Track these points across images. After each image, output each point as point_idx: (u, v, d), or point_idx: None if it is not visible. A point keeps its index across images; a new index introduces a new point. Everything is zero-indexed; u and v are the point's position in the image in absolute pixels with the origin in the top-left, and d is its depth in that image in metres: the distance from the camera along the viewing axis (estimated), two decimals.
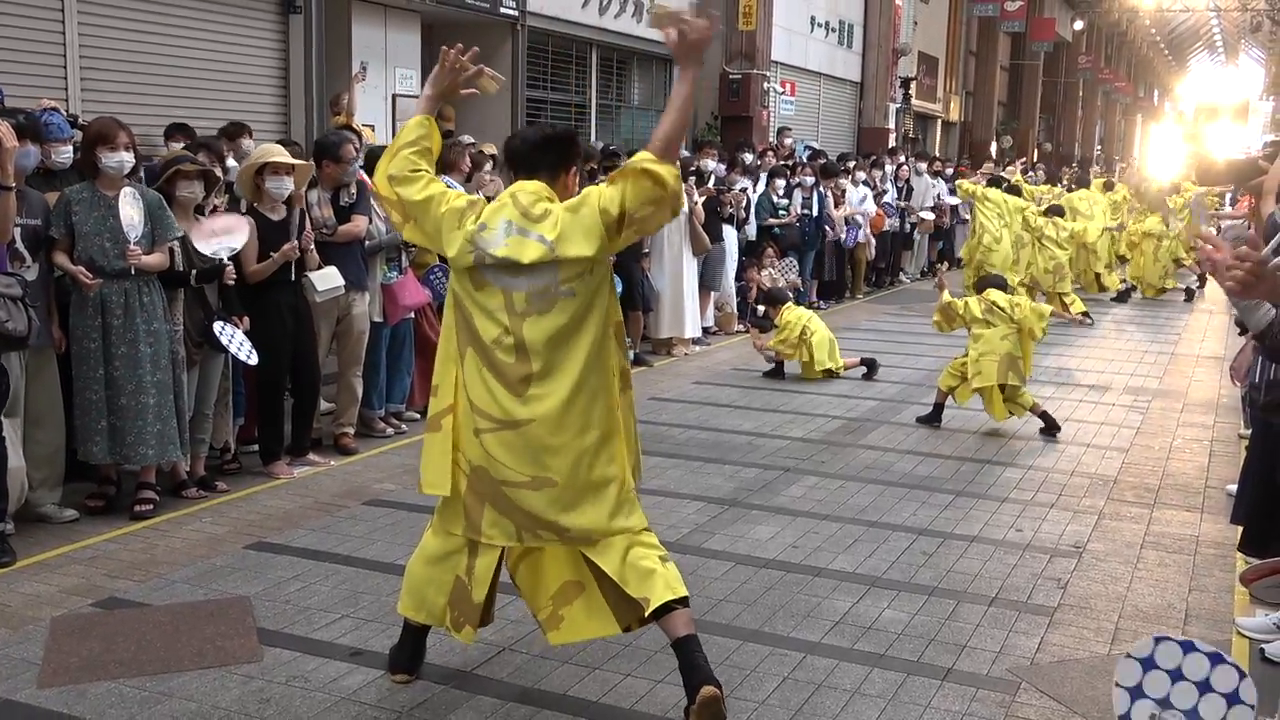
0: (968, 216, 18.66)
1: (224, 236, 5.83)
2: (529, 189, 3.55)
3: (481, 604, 3.74)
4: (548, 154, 3.62)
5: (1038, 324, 7.66)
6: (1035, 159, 32.86)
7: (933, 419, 7.92)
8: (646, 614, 3.50)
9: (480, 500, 3.60)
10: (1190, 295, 16.10)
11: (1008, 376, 7.53)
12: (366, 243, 6.93)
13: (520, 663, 4.07)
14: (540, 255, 3.44)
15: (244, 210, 6.25)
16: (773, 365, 9.57)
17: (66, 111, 7.01)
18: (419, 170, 3.63)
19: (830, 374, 9.46)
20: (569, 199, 3.57)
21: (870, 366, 9.59)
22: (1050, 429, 7.67)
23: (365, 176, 6.79)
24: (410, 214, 3.63)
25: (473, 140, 9.55)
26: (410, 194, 3.59)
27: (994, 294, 7.76)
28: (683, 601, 3.51)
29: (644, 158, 3.41)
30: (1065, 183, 18.89)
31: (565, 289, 3.47)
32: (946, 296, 7.90)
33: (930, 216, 16.97)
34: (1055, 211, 13.99)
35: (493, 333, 3.50)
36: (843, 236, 13.67)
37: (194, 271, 5.82)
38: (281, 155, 6.29)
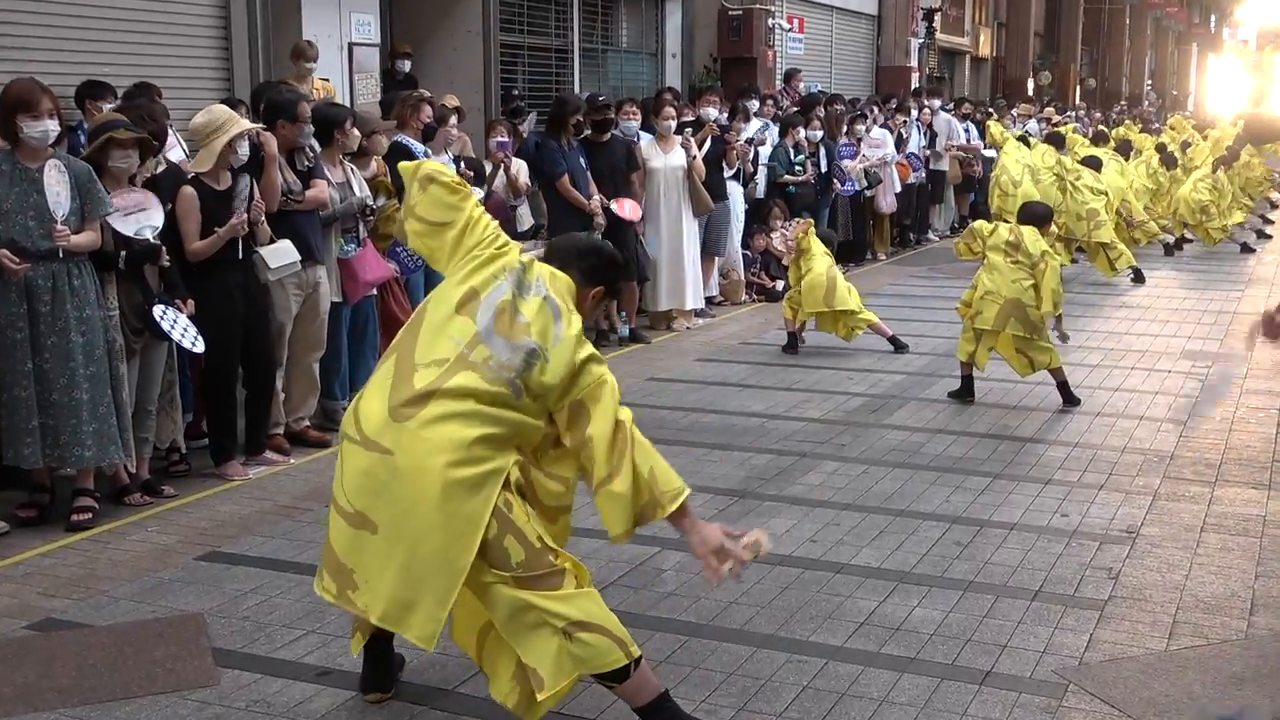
0: None
1: (138, 214, 5.83)
2: (563, 280, 3.70)
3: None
4: (583, 262, 3.79)
5: (1050, 290, 7.61)
6: (1079, 98, 32.78)
7: (964, 393, 7.94)
8: (542, 697, 3.45)
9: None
10: (1247, 249, 16.18)
11: (1009, 324, 7.56)
12: (321, 213, 6.94)
13: None
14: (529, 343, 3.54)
15: (189, 176, 6.27)
16: (788, 337, 9.58)
17: None
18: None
19: (844, 315, 9.31)
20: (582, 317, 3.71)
21: (897, 346, 9.57)
22: (1068, 401, 7.73)
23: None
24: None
25: (430, 94, 9.52)
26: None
27: (1027, 230, 7.77)
28: (616, 676, 3.50)
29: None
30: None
31: (518, 383, 3.51)
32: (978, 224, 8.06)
33: (953, 155, 16.84)
34: (1092, 164, 13.90)
35: (438, 352, 3.53)
36: (839, 186, 13.55)
37: (123, 254, 5.82)
38: (246, 122, 6.37)
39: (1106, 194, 13.52)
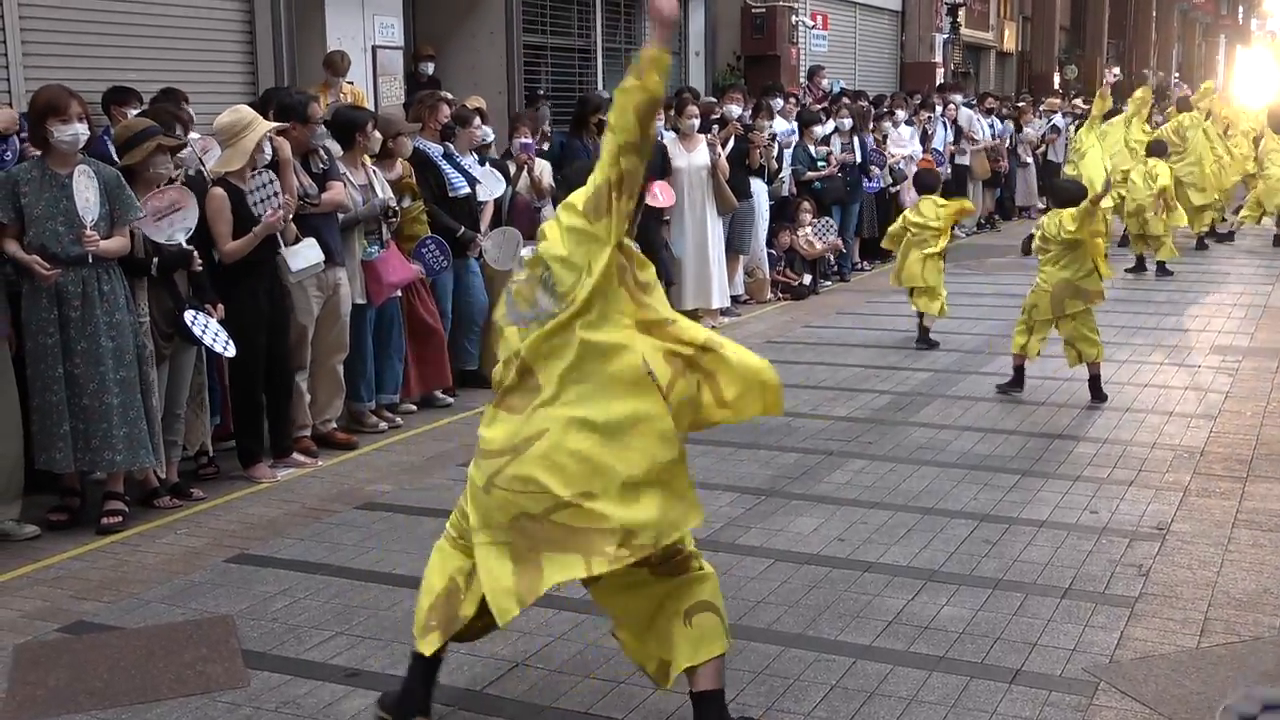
0: (1028, 160, 18.59)
1: (172, 215, 5.87)
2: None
3: (467, 618, 3.65)
4: None
5: (1096, 238, 7.69)
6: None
7: (1015, 385, 7.96)
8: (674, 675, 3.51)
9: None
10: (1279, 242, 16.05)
11: (1064, 306, 7.58)
12: (341, 215, 6.96)
13: (535, 679, 4.10)
14: None
15: (211, 181, 6.29)
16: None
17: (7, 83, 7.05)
18: None
19: (919, 292, 9.50)
20: None
21: (924, 338, 9.55)
22: (1096, 396, 7.71)
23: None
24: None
25: (453, 97, 9.54)
26: None
27: (1046, 220, 7.76)
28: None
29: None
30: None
31: None
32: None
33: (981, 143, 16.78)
34: (1157, 150, 13.52)
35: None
36: (868, 181, 13.51)
37: (155, 260, 5.86)
38: (271, 122, 6.41)
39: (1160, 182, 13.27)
